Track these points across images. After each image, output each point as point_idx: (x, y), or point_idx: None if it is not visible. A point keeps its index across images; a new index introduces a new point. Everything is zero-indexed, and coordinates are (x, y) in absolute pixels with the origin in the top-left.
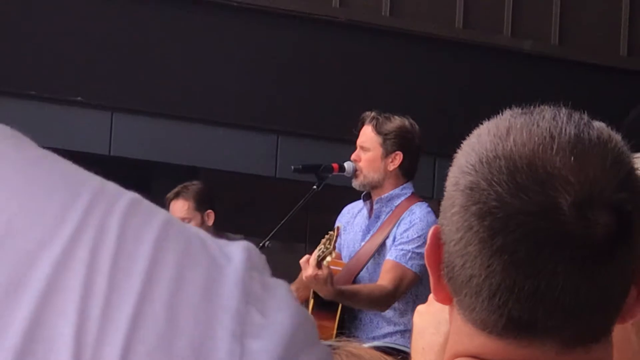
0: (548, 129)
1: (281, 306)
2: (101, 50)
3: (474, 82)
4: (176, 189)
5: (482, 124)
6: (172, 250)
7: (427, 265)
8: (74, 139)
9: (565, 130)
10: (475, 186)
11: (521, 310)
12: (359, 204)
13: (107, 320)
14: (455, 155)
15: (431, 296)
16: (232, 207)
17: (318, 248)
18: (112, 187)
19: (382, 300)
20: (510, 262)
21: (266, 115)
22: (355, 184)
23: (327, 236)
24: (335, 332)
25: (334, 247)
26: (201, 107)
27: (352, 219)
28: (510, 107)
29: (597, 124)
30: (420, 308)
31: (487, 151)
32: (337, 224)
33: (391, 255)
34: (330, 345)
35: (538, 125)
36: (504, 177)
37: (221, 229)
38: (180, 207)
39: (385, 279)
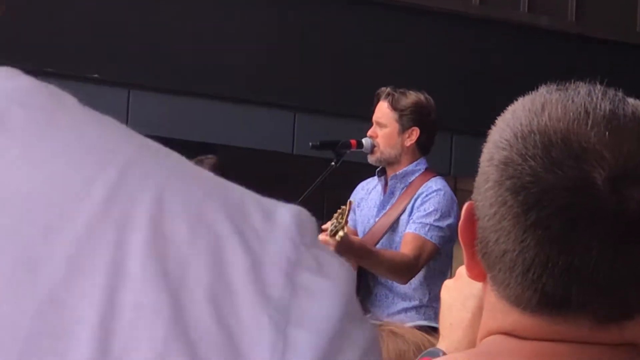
0: (583, 105)
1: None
2: (118, 27)
3: (490, 58)
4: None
5: (497, 99)
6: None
7: (460, 241)
8: None
9: (600, 105)
10: (510, 161)
11: (555, 285)
12: (373, 180)
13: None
14: (490, 131)
15: (459, 270)
16: (249, 183)
17: (330, 222)
18: (147, 159)
19: (404, 268)
20: (544, 237)
21: (283, 92)
22: (372, 159)
23: (339, 210)
24: None
25: (346, 222)
26: (218, 83)
27: (366, 195)
28: (526, 83)
29: (632, 101)
30: (447, 283)
31: (522, 126)
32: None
33: (410, 228)
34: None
35: (573, 101)
36: (538, 151)
37: None
38: None
39: (405, 249)
